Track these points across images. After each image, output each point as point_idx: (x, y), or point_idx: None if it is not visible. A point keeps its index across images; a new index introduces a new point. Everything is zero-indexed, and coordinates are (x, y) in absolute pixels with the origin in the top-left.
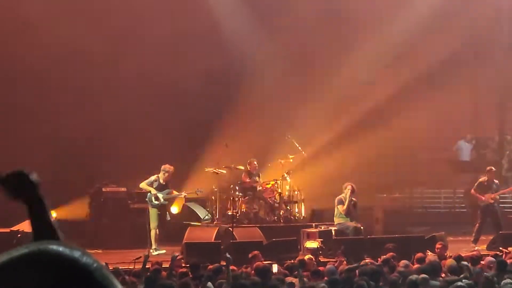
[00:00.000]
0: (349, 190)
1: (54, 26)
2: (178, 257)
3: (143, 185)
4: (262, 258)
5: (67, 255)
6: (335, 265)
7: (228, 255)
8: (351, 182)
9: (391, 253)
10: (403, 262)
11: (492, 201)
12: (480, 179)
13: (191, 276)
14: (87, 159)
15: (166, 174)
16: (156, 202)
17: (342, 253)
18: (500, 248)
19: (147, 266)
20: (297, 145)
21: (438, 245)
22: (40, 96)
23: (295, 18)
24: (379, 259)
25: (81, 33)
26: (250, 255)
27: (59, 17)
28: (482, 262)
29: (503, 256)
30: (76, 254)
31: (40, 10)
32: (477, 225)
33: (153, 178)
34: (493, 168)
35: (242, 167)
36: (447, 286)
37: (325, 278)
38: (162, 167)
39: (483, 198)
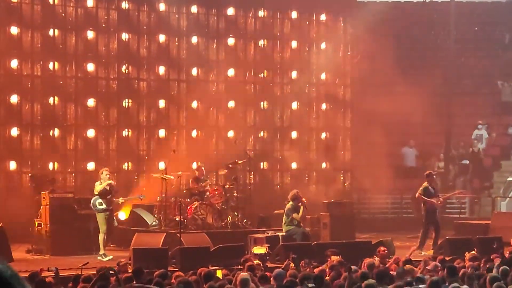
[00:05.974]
0: (299, 197)
1: None
2: (122, 263)
3: (97, 187)
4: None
5: None
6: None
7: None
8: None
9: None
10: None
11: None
12: (425, 184)
13: (135, 282)
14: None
15: (107, 175)
16: (101, 207)
17: (291, 260)
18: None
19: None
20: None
21: (380, 250)
22: None
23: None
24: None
25: None
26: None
27: None
28: (428, 267)
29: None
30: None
31: None
32: (426, 230)
33: (97, 184)
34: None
35: (189, 173)
36: None
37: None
38: (100, 172)
39: (436, 202)
